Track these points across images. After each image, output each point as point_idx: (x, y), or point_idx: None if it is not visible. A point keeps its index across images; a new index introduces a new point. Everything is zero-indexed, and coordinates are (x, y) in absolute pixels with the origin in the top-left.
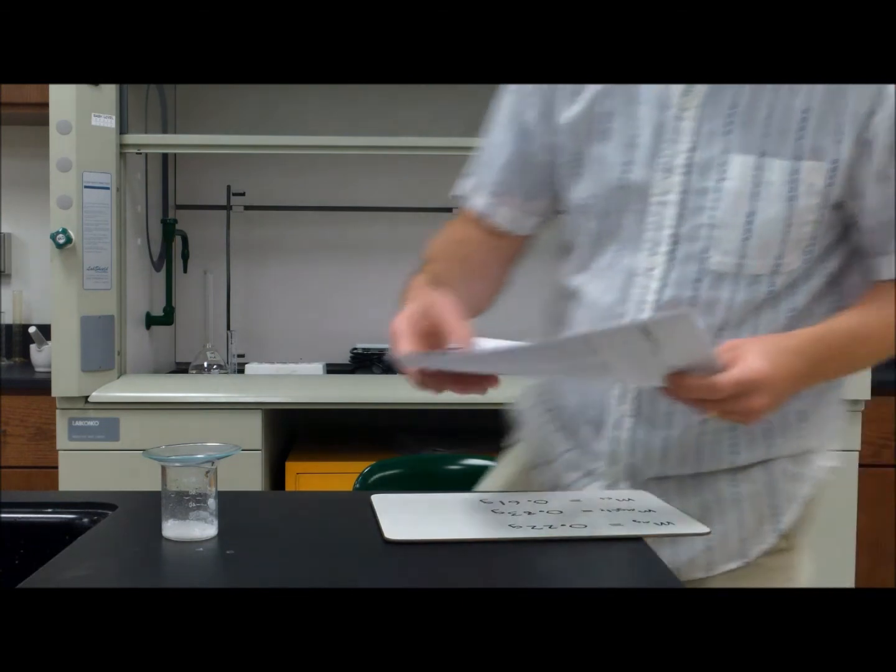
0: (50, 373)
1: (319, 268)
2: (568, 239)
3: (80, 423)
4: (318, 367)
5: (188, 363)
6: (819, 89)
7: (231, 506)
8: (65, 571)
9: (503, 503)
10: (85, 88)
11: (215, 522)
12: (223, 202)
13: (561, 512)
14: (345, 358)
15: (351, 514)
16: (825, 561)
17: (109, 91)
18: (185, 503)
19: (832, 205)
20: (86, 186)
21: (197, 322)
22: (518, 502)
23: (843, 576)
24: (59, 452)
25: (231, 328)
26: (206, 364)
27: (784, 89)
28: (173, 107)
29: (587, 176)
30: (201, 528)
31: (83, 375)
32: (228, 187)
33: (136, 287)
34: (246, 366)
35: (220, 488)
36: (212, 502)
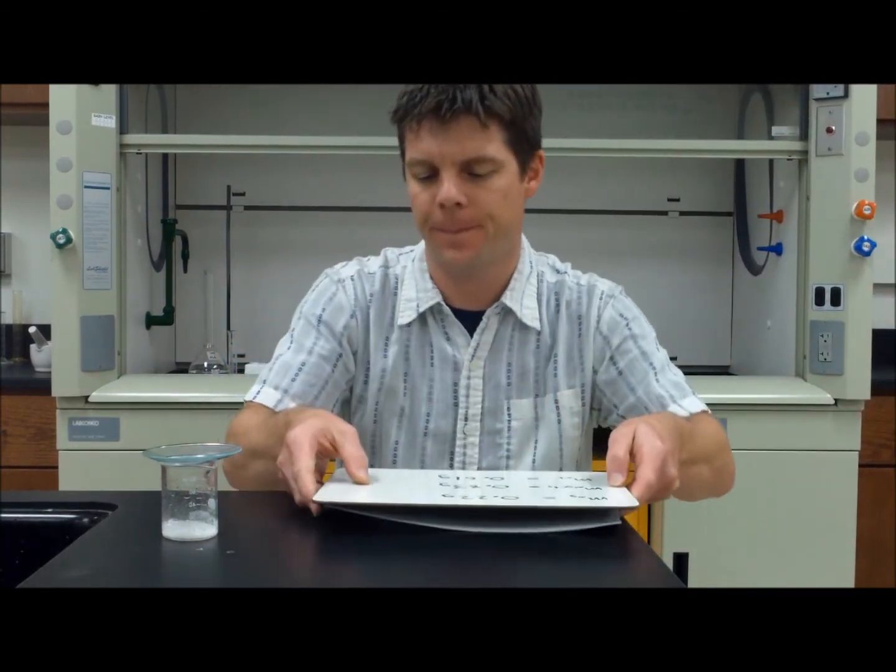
0: (50, 373)
1: (319, 268)
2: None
3: (80, 423)
4: None
5: (188, 363)
6: (561, 345)
7: (231, 506)
8: (65, 571)
9: (458, 478)
10: (85, 88)
11: (215, 522)
12: (223, 202)
13: (507, 486)
14: None
15: (351, 514)
16: (825, 561)
17: (109, 91)
18: (185, 503)
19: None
20: (86, 186)
21: (197, 322)
22: (475, 478)
23: (843, 576)
24: (59, 452)
25: (231, 328)
26: (206, 364)
27: (543, 350)
28: (173, 107)
29: (394, 426)
30: (201, 528)
31: (83, 375)
32: (228, 187)
33: (136, 287)
34: (246, 366)
35: (220, 488)
36: (212, 502)
